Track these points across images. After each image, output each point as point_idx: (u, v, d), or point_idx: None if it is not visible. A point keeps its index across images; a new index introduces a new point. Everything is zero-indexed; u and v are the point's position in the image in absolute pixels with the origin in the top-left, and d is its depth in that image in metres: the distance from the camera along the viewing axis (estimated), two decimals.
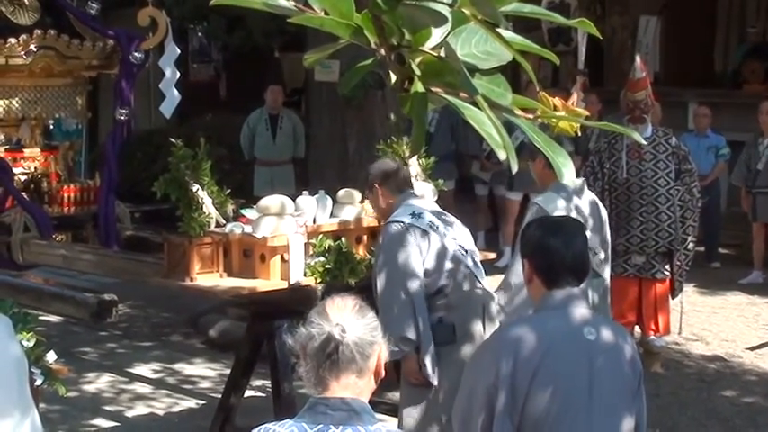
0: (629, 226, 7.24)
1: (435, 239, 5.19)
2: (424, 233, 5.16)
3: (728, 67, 15.06)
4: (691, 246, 7.43)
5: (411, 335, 5.04)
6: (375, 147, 6.49)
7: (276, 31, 14.59)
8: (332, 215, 6.04)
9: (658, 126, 7.99)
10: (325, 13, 1.68)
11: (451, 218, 5.46)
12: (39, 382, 4.60)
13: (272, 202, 5.68)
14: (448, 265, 5.19)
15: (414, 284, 5.08)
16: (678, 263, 7.40)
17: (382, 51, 1.67)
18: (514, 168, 1.72)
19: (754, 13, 15.21)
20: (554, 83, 13.58)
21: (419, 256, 5.12)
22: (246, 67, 16.69)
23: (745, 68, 14.07)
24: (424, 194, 5.92)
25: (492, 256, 7.74)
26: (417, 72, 1.66)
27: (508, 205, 11.49)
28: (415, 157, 6.18)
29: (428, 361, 5.07)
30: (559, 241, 3.36)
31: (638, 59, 7.61)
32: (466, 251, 5.32)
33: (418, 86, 1.66)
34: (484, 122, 1.63)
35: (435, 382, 5.10)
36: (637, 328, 7.57)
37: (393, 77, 1.71)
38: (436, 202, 6.15)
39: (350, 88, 2.07)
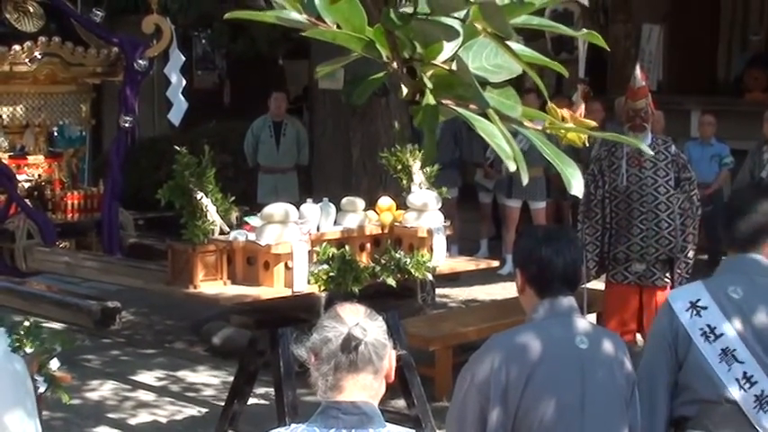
0: (630, 233, 7.24)
1: None
2: None
3: (731, 75, 15.08)
4: (691, 254, 7.43)
5: None
6: (379, 154, 6.50)
7: (280, 38, 14.63)
8: (335, 223, 6.04)
9: (659, 134, 8.00)
10: (338, 27, 1.69)
11: None
12: (42, 389, 4.59)
13: (275, 209, 5.68)
14: None
15: None
16: (678, 271, 7.40)
17: (394, 65, 1.69)
18: (525, 180, 1.73)
19: (756, 22, 15.23)
20: (557, 91, 13.61)
21: None
22: (250, 75, 16.72)
23: (748, 77, 14.09)
24: None
25: (495, 263, 7.76)
26: (429, 85, 1.68)
27: (508, 212, 11.52)
28: (419, 165, 6.19)
29: None
30: (551, 250, 3.36)
31: (638, 68, 7.61)
32: None
33: (429, 99, 1.68)
34: (494, 134, 1.65)
35: None
36: (639, 336, 7.56)
37: (404, 90, 1.73)
38: (440, 209, 6.15)
39: (363, 101, 2.06)
